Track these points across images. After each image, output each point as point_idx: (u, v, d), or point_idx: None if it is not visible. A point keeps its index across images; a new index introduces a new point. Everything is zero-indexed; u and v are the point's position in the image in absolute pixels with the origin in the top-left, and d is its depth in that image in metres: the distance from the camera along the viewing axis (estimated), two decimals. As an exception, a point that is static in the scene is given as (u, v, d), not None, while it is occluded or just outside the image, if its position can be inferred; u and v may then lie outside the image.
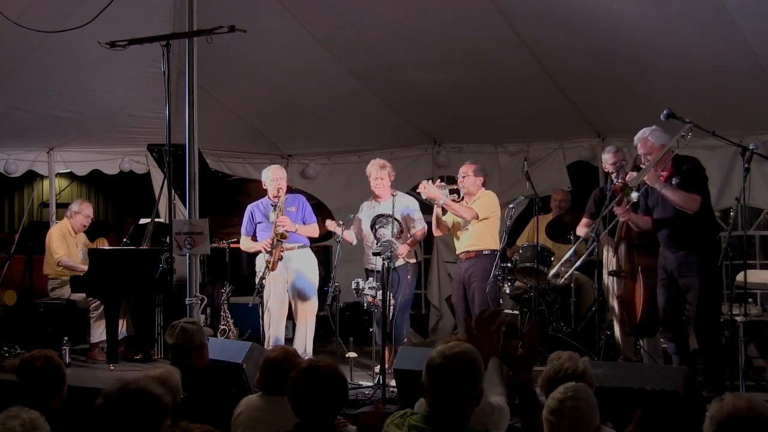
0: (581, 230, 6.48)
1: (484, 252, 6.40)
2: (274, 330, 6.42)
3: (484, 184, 6.59)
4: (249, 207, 6.70)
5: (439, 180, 6.54)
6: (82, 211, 7.62)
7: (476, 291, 6.34)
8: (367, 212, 6.62)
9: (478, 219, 6.36)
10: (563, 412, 2.68)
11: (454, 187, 6.53)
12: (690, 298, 5.22)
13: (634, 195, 5.16)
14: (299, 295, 6.48)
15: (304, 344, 6.40)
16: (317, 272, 6.69)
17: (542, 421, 2.70)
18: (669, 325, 5.38)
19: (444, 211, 6.55)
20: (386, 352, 5.88)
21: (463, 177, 6.51)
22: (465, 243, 6.48)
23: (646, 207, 5.50)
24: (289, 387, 2.88)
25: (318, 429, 2.83)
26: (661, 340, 5.84)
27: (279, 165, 6.95)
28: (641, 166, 5.73)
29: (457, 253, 6.63)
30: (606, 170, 6.37)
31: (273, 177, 6.50)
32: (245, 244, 6.71)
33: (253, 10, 6.63)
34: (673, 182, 5.24)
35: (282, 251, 6.35)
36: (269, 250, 6.33)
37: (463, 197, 6.51)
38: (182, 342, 4.09)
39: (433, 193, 6.28)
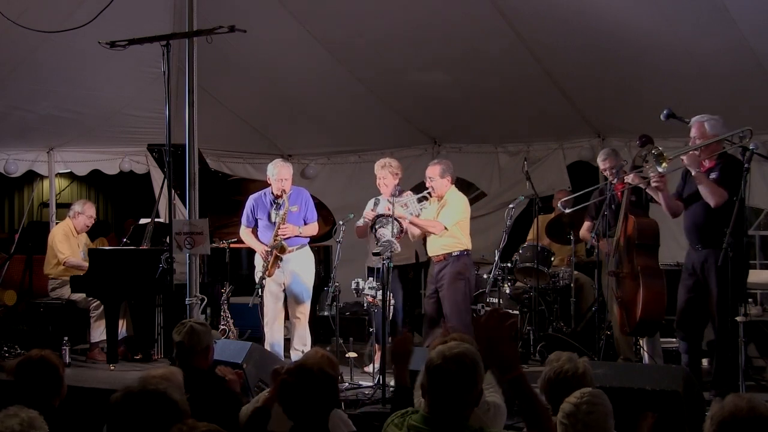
0: (584, 234, 6.49)
1: (453, 254, 6.34)
2: (269, 329, 6.42)
3: (452, 183, 6.49)
4: (251, 198, 6.61)
5: (409, 192, 6.49)
6: (86, 212, 7.62)
7: (446, 294, 6.28)
8: (383, 204, 6.59)
9: (446, 230, 6.30)
10: (578, 416, 2.71)
11: (424, 194, 6.44)
12: (710, 298, 5.21)
13: (664, 166, 5.14)
14: (294, 298, 6.46)
15: (303, 345, 6.39)
16: (313, 274, 6.63)
17: (548, 418, 2.68)
18: (683, 325, 5.36)
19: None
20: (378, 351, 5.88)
21: (431, 180, 6.41)
22: (436, 246, 6.42)
23: (680, 193, 5.48)
24: (279, 388, 2.88)
25: (312, 429, 2.83)
26: (664, 339, 5.84)
27: (285, 162, 6.71)
28: (642, 165, 5.74)
29: (429, 254, 6.58)
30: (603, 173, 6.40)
31: (278, 176, 6.38)
32: (245, 236, 6.66)
33: (253, 10, 6.64)
34: (711, 176, 5.22)
35: (280, 260, 6.32)
36: (268, 251, 6.32)
37: (430, 201, 6.45)
38: (188, 342, 4.08)
39: (398, 213, 6.23)
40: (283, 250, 6.29)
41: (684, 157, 5.15)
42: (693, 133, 5.26)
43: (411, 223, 6.31)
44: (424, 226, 6.33)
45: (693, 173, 5.16)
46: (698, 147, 5.17)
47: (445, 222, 6.28)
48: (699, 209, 5.26)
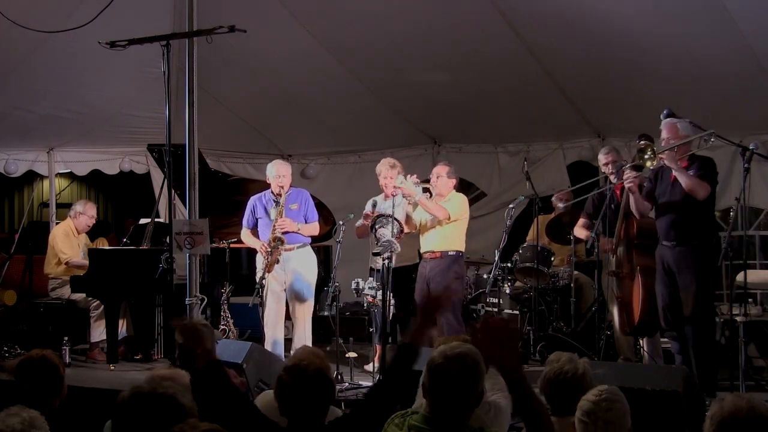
0: (579, 231, 6.48)
1: (449, 253, 6.35)
2: (271, 330, 6.40)
3: (455, 187, 6.55)
4: (252, 199, 6.64)
5: (415, 176, 6.51)
6: (87, 212, 7.61)
7: (440, 290, 6.29)
8: (381, 205, 6.61)
9: (449, 219, 6.33)
10: (598, 414, 2.74)
11: (427, 186, 6.50)
12: (684, 296, 5.21)
13: (648, 165, 5.18)
14: (296, 296, 6.45)
15: (304, 343, 6.39)
16: (315, 272, 6.62)
17: (547, 418, 2.68)
18: (673, 324, 5.35)
19: (414, 205, 6.54)
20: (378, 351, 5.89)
21: (437, 177, 6.46)
22: (432, 243, 6.43)
23: (650, 193, 5.50)
24: (276, 387, 2.88)
25: (307, 429, 2.83)
26: (664, 339, 5.84)
27: (283, 161, 6.77)
28: (642, 164, 5.76)
29: (421, 251, 6.58)
30: (602, 171, 6.40)
31: (276, 174, 6.41)
32: (245, 237, 6.66)
33: (253, 10, 6.63)
34: (689, 173, 5.25)
35: (279, 254, 6.32)
36: (268, 250, 6.32)
37: (432, 197, 6.46)
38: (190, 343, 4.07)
39: (409, 189, 6.27)
40: (281, 241, 6.28)
41: (664, 157, 5.17)
42: (665, 134, 5.32)
43: (419, 202, 6.31)
44: (431, 208, 6.33)
45: (675, 170, 5.19)
46: (676, 144, 5.20)
47: (449, 210, 6.30)
48: (676, 207, 5.27)
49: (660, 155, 5.17)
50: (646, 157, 5.17)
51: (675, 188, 5.25)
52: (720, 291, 6.36)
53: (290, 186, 6.52)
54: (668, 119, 5.31)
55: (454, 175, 6.53)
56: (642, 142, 5.27)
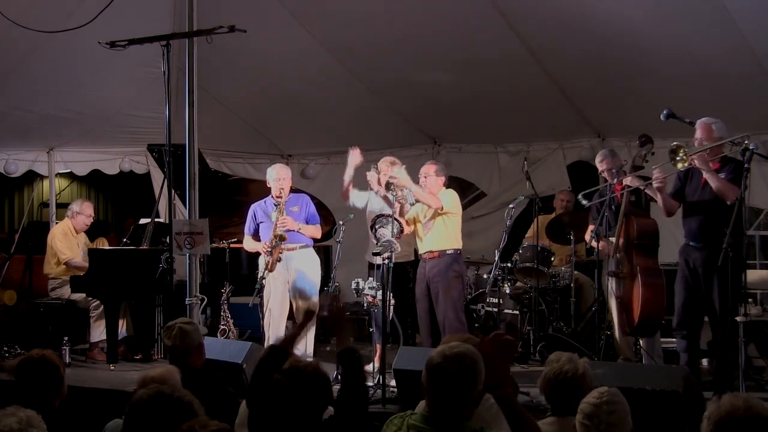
0: (589, 238, 6.47)
1: (447, 252, 6.32)
2: (274, 330, 6.41)
3: (445, 185, 6.51)
4: (252, 206, 6.67)
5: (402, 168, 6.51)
6: (84, 211, 7.62)
7: (440, 290, 6.26)
8: (374, 199, 6.60)
9: (442, 210, 6.29)
10: (600, 417, 2.73)
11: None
12: (711, 297, 5.21)
13: (680, 166, 5.17)
14: (300, 294, 6.46)
15: (305, 344, 6.39)
16: (319, 272, 6.63)
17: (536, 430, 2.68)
18: (684, 323, 5.36)
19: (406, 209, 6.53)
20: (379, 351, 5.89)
21: (425, 177, 6.42)
22: (429, 244, 6.40)
23: (677, 192, 5.50)
24: (272, 388, 2.89)
25: (304, 429, 2.83)
26: (664, 339, 5.84)
27: (283, 164, 6.81)
28: (642, 165, 5.75)
29: (420, 253, 6.56)
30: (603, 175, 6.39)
31: (276, 177, 6.44)
32: (247, 243, 6.69)
33: (253, 10, 6.63)
34: (720, 175, 5.24)
35: (281, 252, 6.33)
36: (269, 250, 6.32)
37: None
38: (181, 343, 4.09)
39: (403, 180, 6.24)
40: (282, 238, 6.29)
41: (695, 158, 5.17)
42: (699, 134, 5.30)
43: (413, 193, 6.27)
44: (425, 197, 6.29)
45: (706, 173, 5.18)
46: (709, 147, 5.19)
47: (442, 201, 6.28)
48: (706, 208, 5.28)
49: (692, 156, 5.16)
50: (677, 158, 5.16)
51: (705, 190, 5.25)
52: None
53: (290, 190, 6.54)
54: (704, 119, 5.29)
55: (442, 173, 6.46)
56: (674, 143, 5.25)
